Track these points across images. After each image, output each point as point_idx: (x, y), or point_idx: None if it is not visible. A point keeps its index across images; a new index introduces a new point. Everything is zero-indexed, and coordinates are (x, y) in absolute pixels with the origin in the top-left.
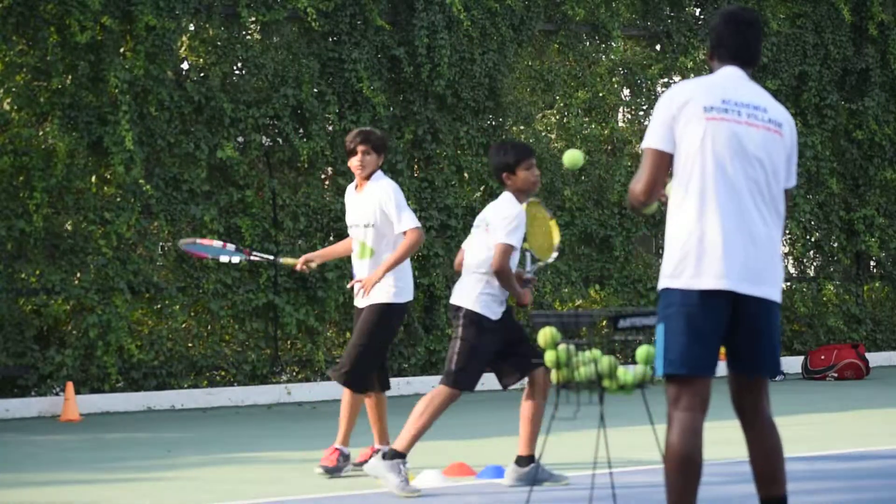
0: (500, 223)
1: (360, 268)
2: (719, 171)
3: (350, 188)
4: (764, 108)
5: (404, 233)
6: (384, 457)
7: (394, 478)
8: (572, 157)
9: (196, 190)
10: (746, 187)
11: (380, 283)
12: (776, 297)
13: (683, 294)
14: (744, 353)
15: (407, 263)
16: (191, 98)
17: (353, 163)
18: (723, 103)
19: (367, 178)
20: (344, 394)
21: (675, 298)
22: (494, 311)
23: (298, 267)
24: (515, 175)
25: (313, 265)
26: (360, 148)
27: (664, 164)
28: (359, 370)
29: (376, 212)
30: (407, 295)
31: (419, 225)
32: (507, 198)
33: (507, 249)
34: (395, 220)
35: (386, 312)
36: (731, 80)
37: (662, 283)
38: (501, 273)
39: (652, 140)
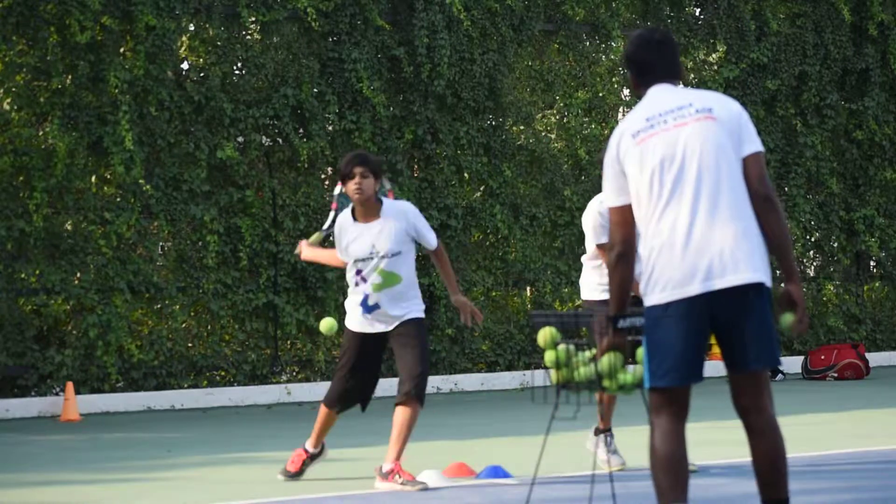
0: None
1: (387, 295)
2: (661, 186)
3: (347, 221)
4: (689, 104)
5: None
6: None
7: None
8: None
9: (196, 190)
10: (691, 188)
11: (416, 300)
12: (752, 279)
13: (655, 309)
14: (730, 348)
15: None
16: (191, 98)
17: (351, 187)
18: (647, 121)
19: (370, 206)
20: (407, 412)
21: (650, 314)
22: None
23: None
24: None
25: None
26: (358, 170)
27: (626, 214)
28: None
29: (405, 239)
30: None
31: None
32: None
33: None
34: (428, 235)
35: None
36: (654, 97)
37: (645, 302)
38: None
39: (609, 199)
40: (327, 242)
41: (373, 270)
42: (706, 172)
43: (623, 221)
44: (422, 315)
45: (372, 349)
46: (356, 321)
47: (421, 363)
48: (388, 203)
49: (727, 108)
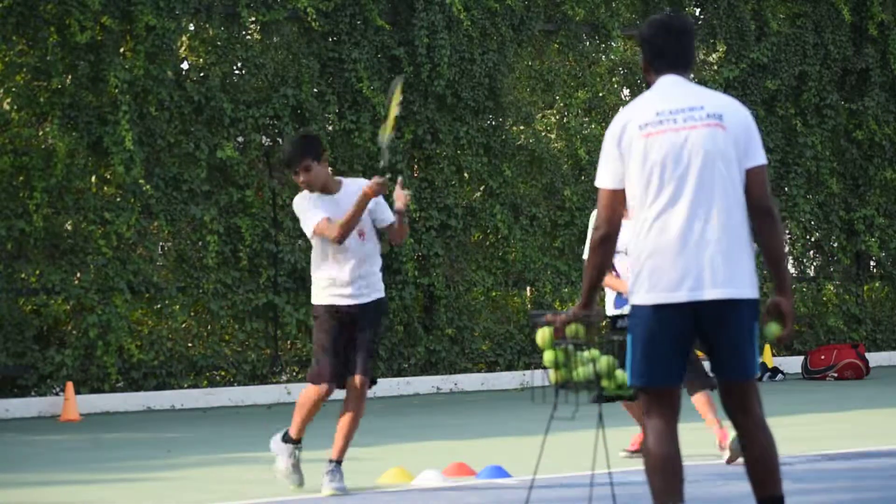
0: None
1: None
2: (664, 185)
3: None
4: (700, 107)
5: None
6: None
7: None
8: None
9: (196, 190)
10: (692, 193)
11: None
12: (738, 294)
13: (639, 309)
14: (715, 356)
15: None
16: (191, 98)
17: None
18: (657, 116)
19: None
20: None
21: (634, 314)
22: None
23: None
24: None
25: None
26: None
27: (617, 199)
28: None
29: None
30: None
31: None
32: None
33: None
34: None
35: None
36: (665, 89)
37: (630, 300)
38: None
39: (601, 179)
40: None
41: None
42: (707, 180)
43: (612, 205)
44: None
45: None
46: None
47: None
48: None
49: (737, 116)
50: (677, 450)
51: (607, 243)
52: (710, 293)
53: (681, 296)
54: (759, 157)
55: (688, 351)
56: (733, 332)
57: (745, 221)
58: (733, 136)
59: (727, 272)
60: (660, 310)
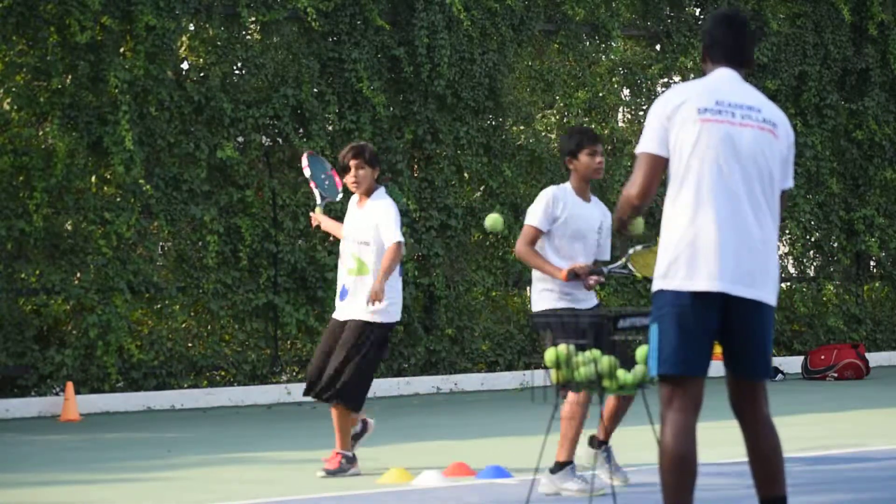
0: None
1: (356, 284)
2: (713, 173)
3: (353, 201)
4: (758, 109)
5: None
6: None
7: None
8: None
9: (196, 190)
10: (741, 189)
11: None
12: (770, 300)
13: (675, 295)
14: (736, 355)
15: (394, 282)
16: (191, 98)
17: (348, 179)
18: (717, 104)
19: (367, 194)
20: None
21: (668, 299)
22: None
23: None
24: (577, 160)
25: (320, 222)
26: (353, 162)
27: (659, 168)
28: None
29: (375, 230)
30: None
31: (402, 240)
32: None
33: (528, 230)
34: (385, 233)
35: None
36: (724, 81)
37: (656, 285)
38: (519, 253)
39: (646, 145)
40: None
41: (349, 254)
42: (761, 181)
43: (654, 173)
44: (371, 320)
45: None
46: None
47: (341, 363)
48: (378, 195)
49: (787, 132)
50: (694, 448)
51: (635, 213)
52: (747, 291)
53: (720, 286)
54: (791, 181)
55: (713, 344)
56: (760, 335)
57: (777, 232)
58: (783, 148)
59: (764, 276)
60: (698, 297)
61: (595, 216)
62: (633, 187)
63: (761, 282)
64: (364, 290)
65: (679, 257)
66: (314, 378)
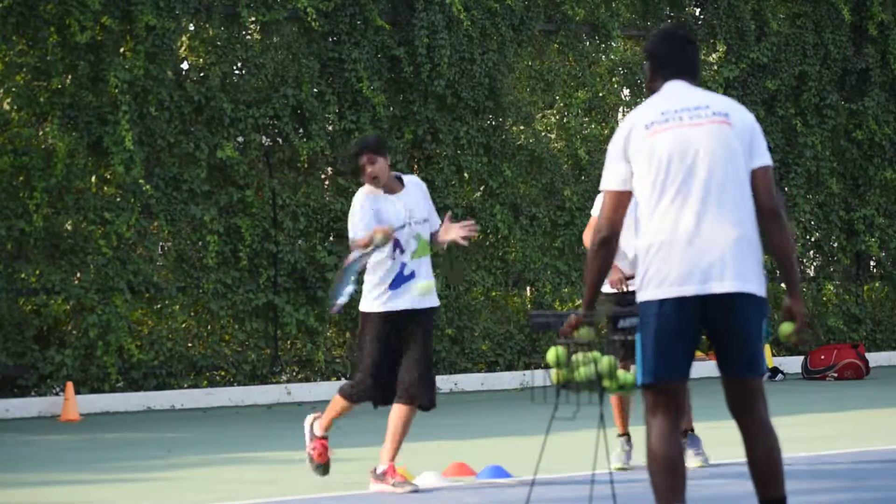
0: None
1: (421, 265)
2: (669, 181)
3: (377, 195)
4: (706, 105)
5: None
6: None
7: None
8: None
9: (196, 190)
10: (699, 188)
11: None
12: (745, 288)
13: (649, 305)
14: (724, 352)
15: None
16: (191, 98)
17: (367, 178)
18: (662, 115)
19: (391, 181)
20: (405, 410)
21: (645, 310)
22: None
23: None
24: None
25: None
26: (365, 158)
27: (623, 201)
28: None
29: (428, 205)
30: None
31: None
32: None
33: None
34: (434, 212)
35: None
36: (671, 92)
37: (638, 297)
38: None
39: (607, 182)
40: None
41: (410, 237)
42: (715, 175)
43: (616, 207)
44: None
45: (392, 330)
46: (379, 301)
47: (430, 361)
48: (409, 177)
49: (742, 116)
50: (680, 449)
51: (608, 246)
52: (718, 286)
53: (689, 289)
54: (765, 158)
55: (694, 348)
56: (741, 327)
57: (753, 219)
58: (740, 135)
59: (735, 267)
60: (667, 304)
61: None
62: (600, 220)
63: (735, 273)
64: (430, 270)
65: (649, 268)
66: (387, 381)
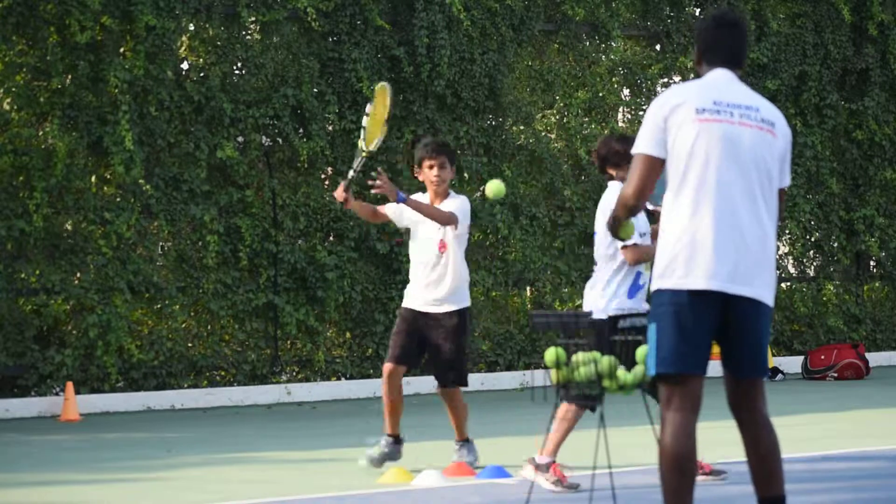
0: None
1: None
2: (711, 173)
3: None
4: (756, 108)
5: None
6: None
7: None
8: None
9: (196, 190)
10: (739, 188)
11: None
12: (767, 299)
13: (673, 294)
14: (733, 353)
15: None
16: (191, 98)
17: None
18: (714, 104)
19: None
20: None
21: (666, 298)
22: None
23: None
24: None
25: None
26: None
27: (655, 168)
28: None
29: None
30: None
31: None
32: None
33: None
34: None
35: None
36: (722, 82)
37: (654, 284)
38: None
39: (643, 145)
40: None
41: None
42: (759, 180)
43: (648, 173)
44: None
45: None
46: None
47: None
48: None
49: (784, 131)
50: (694, 448)
51: (633, 214)
52: (745, 290)
53: (717, 285)
54: (787, 179)
55: (712, 342)
56: (758, 333)
57: (775, 230)
58: (780, 147)
59: (763, 276)
60: (695, 295)
61: None
62: (628, 187)
63: (759, 281)
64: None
65: (677, 256)
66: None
